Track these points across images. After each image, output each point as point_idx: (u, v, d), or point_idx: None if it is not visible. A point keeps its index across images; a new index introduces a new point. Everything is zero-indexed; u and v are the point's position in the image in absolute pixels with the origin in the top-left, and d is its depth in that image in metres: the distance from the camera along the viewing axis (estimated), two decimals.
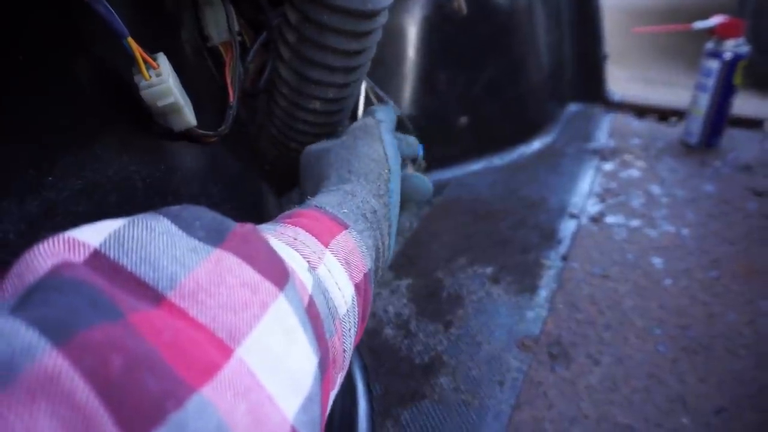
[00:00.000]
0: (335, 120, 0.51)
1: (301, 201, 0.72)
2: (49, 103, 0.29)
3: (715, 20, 0.95)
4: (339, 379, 0.31)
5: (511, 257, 0.83)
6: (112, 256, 0.19)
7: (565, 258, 0.82)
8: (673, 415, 0.59)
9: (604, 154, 1.08)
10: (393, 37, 0.94)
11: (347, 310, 0.30)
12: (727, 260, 0.80)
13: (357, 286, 0.32)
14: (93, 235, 0.20)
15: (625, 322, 0.71)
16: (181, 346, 0.18)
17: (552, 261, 0.82)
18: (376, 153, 0.38)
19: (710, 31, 0.97)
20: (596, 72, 1.25)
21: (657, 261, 0.81)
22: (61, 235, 0.19)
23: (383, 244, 0.36)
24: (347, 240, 0.32)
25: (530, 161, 1.07)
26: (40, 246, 0.19)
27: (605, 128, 1.17)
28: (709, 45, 0.99)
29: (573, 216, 0.91)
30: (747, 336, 0.68)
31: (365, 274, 0.33)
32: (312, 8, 0.41)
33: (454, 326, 0.71)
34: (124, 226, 0.21)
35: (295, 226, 0.31)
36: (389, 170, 0.38)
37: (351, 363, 0.66)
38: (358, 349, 0.69)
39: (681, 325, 0.70)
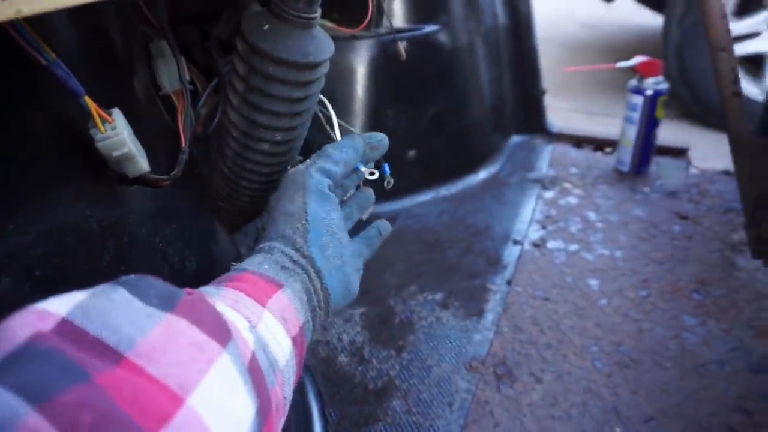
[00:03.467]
0: (284, 159, 0.54)
1: (257, 236, 0.75)
2: (9, 156, 0.31)
3: (636, 60, 1.05)
4: (280, 423, 0.34)
5: (459, 283, 0.87)
6: (77, 322, 0.23)
7: (509, 282, 0.87)
8: (607, 425, 0.63)
9: (544, 183, 1.15)
10: (342, 76, 0.99)
11: (286, 362, 0.34)
12: (655, 279, 0.86)
13: (294, 339, 0.36)
14: (60, 305, 0.23)
15: (565, 341, 0.76)
16: (139, 399, 0.22)
17: (497, 286, 0.87)
18: (294, 206, 0.42)
19: (632, 70, 1.07)
20: (536, 106, 1.34)
21: (593, 282, 0.86)
22: (32, 307, 0.23)
23: (314, 286, 0.40)
24: (282, 299, 0.36)
25: (476, 191, 1.12)
26: (15, 317, 0.22)
27: (546, 158, 1.25)
28: (632, 82, 1.08)
29: (516, 242, 0.97)
30: (672, 349, 0.73)
31: (300, 327, 0.37)
32: (258, 60, 0.45)
33: (405, 351, 0.75)
34: (88, 297, 0.24)
35: (236, 289, 0.34)
36: (306, 221, 0.41)
37: (306, 390, 0.68)
38: (313, 376, 0.71)
39: (615, 341, 0.75)
